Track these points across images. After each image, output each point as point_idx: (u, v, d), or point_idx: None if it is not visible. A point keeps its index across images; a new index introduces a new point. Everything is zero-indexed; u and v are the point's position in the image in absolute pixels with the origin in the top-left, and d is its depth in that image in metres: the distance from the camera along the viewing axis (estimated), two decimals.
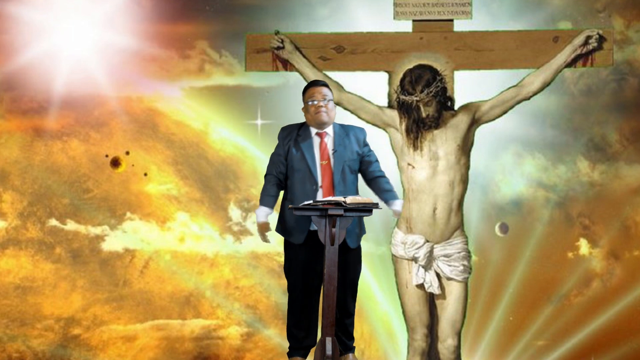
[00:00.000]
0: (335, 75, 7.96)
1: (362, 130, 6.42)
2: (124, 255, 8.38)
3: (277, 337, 8.23)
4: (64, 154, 8.42)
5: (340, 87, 7.72)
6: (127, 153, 8.37)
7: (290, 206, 6.06)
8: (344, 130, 6.28)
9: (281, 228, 6.32)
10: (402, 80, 7.91)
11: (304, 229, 6.08)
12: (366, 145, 6.33)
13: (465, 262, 7.90)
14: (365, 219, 6.54)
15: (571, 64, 8.04)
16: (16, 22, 8.35)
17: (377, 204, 5.98)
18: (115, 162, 8.38)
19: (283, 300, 8.18)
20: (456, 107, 8.04)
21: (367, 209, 5.93)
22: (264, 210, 6.24)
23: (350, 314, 6.31)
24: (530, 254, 8.13)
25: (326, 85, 6.27)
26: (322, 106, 6.17)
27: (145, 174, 8.38)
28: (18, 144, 8.42)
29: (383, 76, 8.17)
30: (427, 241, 7.84)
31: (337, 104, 7.32)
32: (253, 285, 8.34)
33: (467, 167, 7.98)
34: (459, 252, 7.88)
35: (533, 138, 8.17)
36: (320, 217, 5.89)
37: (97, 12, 8.34)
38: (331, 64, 8.13)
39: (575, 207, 8.19)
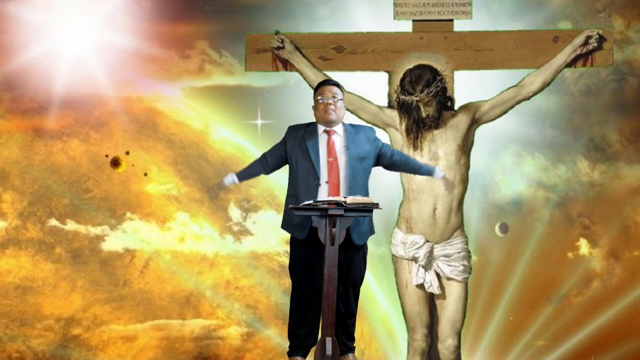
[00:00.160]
0: (335, 75, 7.97)
1: (371, 128, 6.44)
2: (124, 255, 8.38)
3: (277, 337, 8.23)
4: (64, 154, 8.42)
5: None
6: (127, 153, 8.37)
7: (290, 206, 6.07)
8: (354, 129, 6.29)
9: (286, 223, 6.32)
10: (402, 80, 7.92)
11: (307, 225, 6.09)
12: (377, 140, 6.33)
13: (465, 262, 7.91)
14: None
15: (571, 64, 8.04)
16: (16, 22, 8.35)
17: (377, 204, 5.97)
18: (115, 162, 8.38)
19: (283, 300, 8.18)
20: (456, 107, 8.05)
21: (367, 209, 5.93)
22: (231, 176, 6.34)
23: (353, 314, 6.31)
24: (530, 254, 8.13)
25: (337, 85, 6.28)
26: (330, 104, 6.18)
27: (145, 174, 8.38)
28: (18, 144, 8.42)
29: (383, 76, 8.17)
30: (427, 241, 7.85)
31: None
32: (253, 285, 8.34)
33: (467, 167, 7.99)
34: (459, 252, 7.89)
35: (533, 138, 8.17)
36: (321, 217, 5.89)
37: (97, 12, 8.34)
38: (331, 64, 8.13)
39: (575, 207, 8.19)
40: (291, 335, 6.33)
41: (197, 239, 8.36)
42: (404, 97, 7.88)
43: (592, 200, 8.18)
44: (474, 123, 8.00)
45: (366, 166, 6.23)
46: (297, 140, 6.24)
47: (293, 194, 6.24)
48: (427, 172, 6.49)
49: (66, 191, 8.39)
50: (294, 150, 6.23)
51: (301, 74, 8.12)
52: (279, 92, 8.25)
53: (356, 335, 6.49)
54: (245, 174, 6.44)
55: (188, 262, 8.35)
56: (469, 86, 8.10)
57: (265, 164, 6.37)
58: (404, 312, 8.09)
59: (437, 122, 7.82)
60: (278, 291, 8.28)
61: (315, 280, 6.16)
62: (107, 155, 8.39)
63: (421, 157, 7.85)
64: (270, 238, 8.32)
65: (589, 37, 7.96)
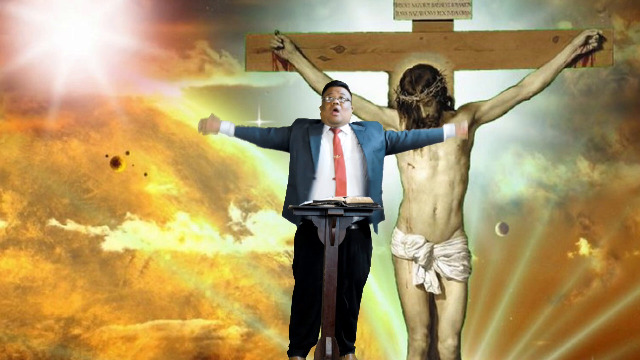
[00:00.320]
0: (335, 75, 7.96)
1: (376, 122, 6.45)
2: (124, 255, 8.38)
3: (277, 337, 8.23)
4: (64, 154, 8.42)
5: None
6: (127, 153, 8.37)
7: (290, 206, 6.07)
8: (362, 126, 6.30)
9: (286, 211, 6.33)
10: (402, 80, 7.92)
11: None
12: (383, 130, 6.33)
13: (465, 262, 7.91)
14: None
15: (571, 64, 8.04)
16: (16, 22, 8.35)
17: (377, 204, 5.97)
18: (115, 162, 8.38)
19: (283, 300, 8.18)
20: (456, 107, 8.05)
21: (367, 209, 5.93)
22: (230, 125, 6.34)
23: (356, 313, 6.31)
24: (530, 254, 8.13)
25: (345, 86, 6.28)
26: (337, 104, 6.19)
27: (145, 174, 8.38)
28: (18, 144, 8.42)
29: (383, 76, 8.17)
30: (427, 241, 7.85)
31: None
32: (253, 285, 8.34)
33: (467, 167, 7.99)
34: (459, 252, 7.89)
35: (533, 138, 8.17)
36: (320, 217, 5.89)
37: (97, 12, 8.34)
38: (331, 64, 8.13)
39: (575, 207, 8.19)
40: (292, 333, 6.33)
41: (197, 239, 8.36)
42: (404, 97, 7.89)
43: (592, 200, 8.18)
44: (474, 123, 8.00)
45: (381, 157, 6.25)
46: (302, 132, 6.26)
47: (292, 183, 6.28)
48: (440, 135, 6.37)
49: (66, 191, 8.39)
50: (297, 141, 6.25)
51: (301, 74, 8.12)
52: (279, 92, 8.25)
53: (356, 335, 6.49)
54: (242, 132, 6.41)
55: (188, 262, 8.35)
56: (469, 86, 8.10)
57: (266, 135, 6.35)
58: (404, 312, 8.09)
59: (437, 122, 7.82)
60: (278, 291, 8.28)
61: (318, 279, 6.17)
62: (107, 155, 8.39)
63: (421, 157, 7.86)
64: (270, 238, 8.32)
65: (589, 37, 7.96)
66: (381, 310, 8.21)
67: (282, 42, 8.08)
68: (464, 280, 7.98)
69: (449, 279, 7.93)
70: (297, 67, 8.10)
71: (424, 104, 7.83)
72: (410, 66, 7.99)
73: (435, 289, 7.91)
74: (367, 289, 6.23)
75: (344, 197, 5.91)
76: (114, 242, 8.37)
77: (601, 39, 8.00)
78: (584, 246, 8.19)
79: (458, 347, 8.06)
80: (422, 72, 7.91)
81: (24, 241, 8.39)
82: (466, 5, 8.11)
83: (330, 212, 5.83)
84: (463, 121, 6.38)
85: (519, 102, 8.06)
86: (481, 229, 8.14)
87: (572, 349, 8.10)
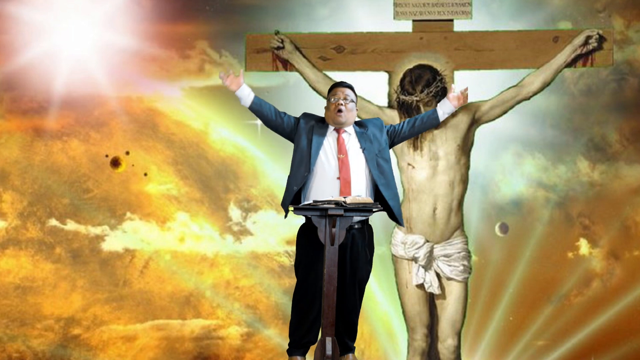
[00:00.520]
0: (335, 75, 7.97)
1: (377, 118, 6.44)
2: (124, 255, 8.38)
3: (277, 337, 8.23)
4: (64, 154, 8.42)
5: None
6: (127, 153, 8.37)
7: (290, 207, 6.08)
8: (363, 127, 6.29)
9: (285, 203, 6.33)
10: (402, 80, 7.92)
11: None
12: (384, 125, 6.32)
13: (465, 262, 7.91)
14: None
15: (571, 64, 8.04)
16: (16, 22, 8.35)
17: (377, 204, 5.98)
18: (115, 162, 8.38)
19: (283, 300, 8.18)
20: None
21: (367, 209, 5.93)
22: (251, 95, 6.23)
23: (358, 313, 6.31)
24: (530, 254, 8.13)
25: (350, 87, 6.27)
26: (341, 104, 6.19)
27: (145, 174, 8.38)
28: (18, 144, 8.42)
29: (383, 76, 8.17)
30: (427, 241, 7.85)
31: None
32: (253, 285, 8.34)
33: (467, 167, 7.99)
34: (459, 252, 7.89)
35: (533, 138, 8.17)
36: (320, 217, 5.89)
37: (97, 12, 8.34)
38: (331, 64, 8.13)
39: (575, 207, 8.19)
40: (292, 331, 6.33)
41: (197, 239, 8.36)
42: (404, 97, 7.89)
43: (592, 200, 8.18)
44: (474, 123, 8.00)
45: (386, 156, 6.24)
46: (307, 128, 6.26)
47: (289, 175, 6.30)
48: (433, 116, 6.34)
49: (66, 191, 8.39)
50: (301, 135, 6.25)
51: (301, 74, 8.12)
52: (279, 92, 8.25)
53: (356, 335, 6.49)
54: (259, 105, 6.27)
55: (188, 262, 8.35)
56: (469, 86, 8.10)
57: (280, 119, 6.28)
58: (404, 312, 8.09)
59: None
60: (278, 291, 8.28)
61: (319, 279, 6.17)
62: (107, 155, 8.39)
63: (421, 157, 7.86)
64: (270, 238, 8.32)
65: (589, 37, 7.96)
66: (381, 310, 8.21)
67: (282, 42, 8.08)
68: (464, 280, 7.98)
69: (449, 279, 7.93)
70: (297, 67, 8.10)
71: (424, 104, 7.83)
72: (410, 66, 7.99)
73: (435, 289, 7.91)
74: (367, 289, 6.23)
75: (344, 197, 5.91)
76: (114, 242, 8.37)
77: (601, 39, 8.00)
78: (584, 246, 8.19)
79: (458, 347, 8.06)
80: (422, 72, 7.91)
81: (24, 241, 8.39)
82: (466, 5, 8.11)
83: (330, 212, 5.83)
84: (454, 90, 6.29)
85: (519, 102, 8.06)
86: (481, 229, 8.14)
87: (572, 349, 8.10)
